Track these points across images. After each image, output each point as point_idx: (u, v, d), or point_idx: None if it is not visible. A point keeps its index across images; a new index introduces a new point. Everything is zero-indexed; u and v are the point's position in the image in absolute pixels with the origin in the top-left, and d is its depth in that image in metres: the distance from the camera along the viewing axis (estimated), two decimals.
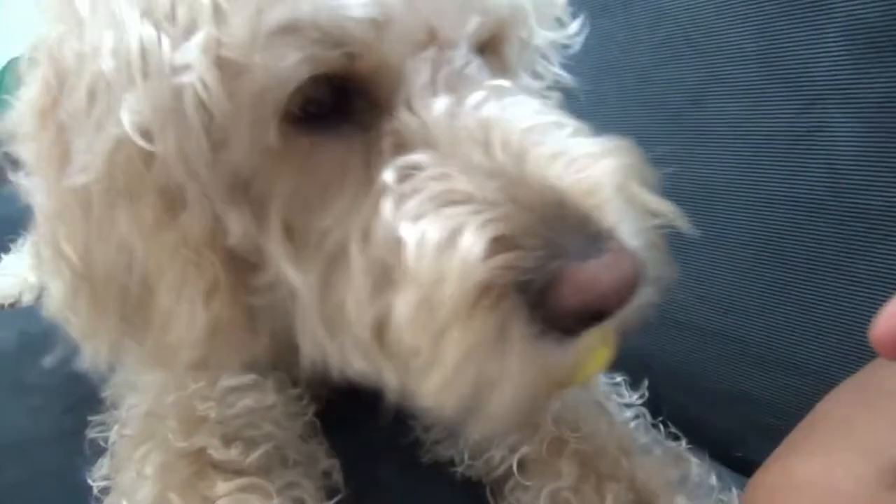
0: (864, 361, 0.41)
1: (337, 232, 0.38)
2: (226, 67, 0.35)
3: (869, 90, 0.52)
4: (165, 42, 0.35)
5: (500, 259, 0.33)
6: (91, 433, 0.56)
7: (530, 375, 0.35)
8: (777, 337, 0.57)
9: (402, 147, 0.37)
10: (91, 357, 0.43)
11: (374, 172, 0.37)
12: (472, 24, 0.39)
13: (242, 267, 0.40)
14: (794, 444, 0.37)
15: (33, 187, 0.42)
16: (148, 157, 0.36)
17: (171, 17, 0.35)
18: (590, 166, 0.36)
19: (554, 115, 0.40)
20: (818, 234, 0.55)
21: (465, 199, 0.35)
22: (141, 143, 0.36)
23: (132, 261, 0.39)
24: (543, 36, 0.50)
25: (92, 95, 0.37)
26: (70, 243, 0.40)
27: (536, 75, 0.53)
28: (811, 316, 0.55)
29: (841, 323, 0.54)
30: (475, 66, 0.40)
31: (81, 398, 0.59)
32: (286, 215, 0.39)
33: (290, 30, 0.34)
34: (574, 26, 0.51)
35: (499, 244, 0.34)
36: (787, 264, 0.57)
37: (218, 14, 0.35)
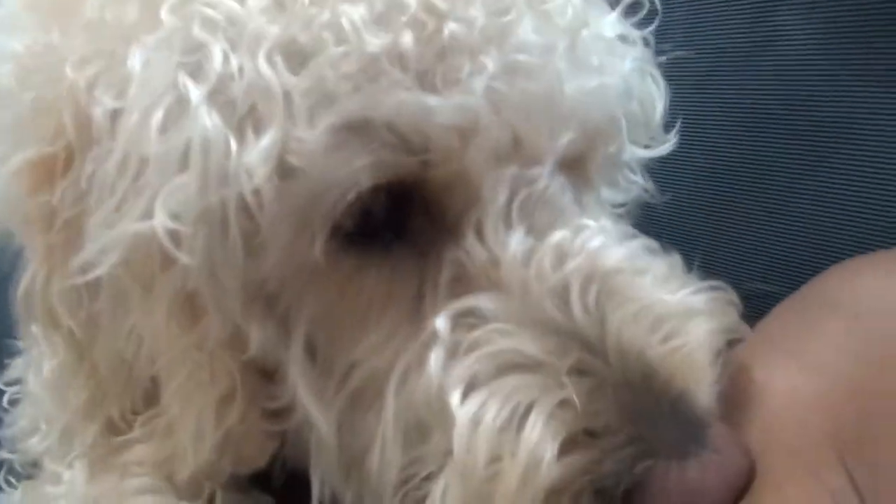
0: (805, 280, 0.40)
1: (368, 366, 0.32)
2: (281, 171, 0.30)
3: None
4: (233, 143, 0.29)
5: (574, 461, 0.28)
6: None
7: None
8: (720, 256, 0.56)
9: (463, 283, 0.32)
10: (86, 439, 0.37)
11: (425, 309, 0.32)
12: (565, 139, 0.34)
13: (263, 382, 0.35)
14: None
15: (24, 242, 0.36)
16: (169, 260, 0.31)
17: (234, 104, 0.30)
18: (681, 330, 0.31)
19: (641, 258, 0.34)
20: (768, 150, 0.53)
21: (533, 367, 0.29)
22: (169, 247, 0.30)
23: (141, 353, 0.34)
24: (633, 152, 0.44)
25: (122, 172, 0.31)
26: (73, 318, 0.34)
27: (615, 186, 0.47)
28: (755, 234, 0.54)
29: (784, 241, 0.53)
30: (558, 187, 0.35)
31: None
32: (312, 337, 0.33)
33: (360, 129, 0.29)
34: (668, 143, 0.45)
35: (573, 441, 0.28)
36: (734, 182, 0.55)
37: (289, 111, 0.29)
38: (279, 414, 0.35)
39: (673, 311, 0.32)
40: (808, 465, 0.29)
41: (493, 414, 0.28)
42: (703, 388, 0.30)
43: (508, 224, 0.33)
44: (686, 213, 0.58)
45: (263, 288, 0.33)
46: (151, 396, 0.36)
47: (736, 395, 0.33)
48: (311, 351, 0.34)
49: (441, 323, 0.31)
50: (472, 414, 0.29)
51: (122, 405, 0.36)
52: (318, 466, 0.34)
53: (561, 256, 0.32)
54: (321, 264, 0.32)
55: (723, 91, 0.56)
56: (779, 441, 0.31)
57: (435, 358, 0.30)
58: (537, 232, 0.33)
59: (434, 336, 0.31)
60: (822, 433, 0.30)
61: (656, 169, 0.50)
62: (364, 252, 0.32)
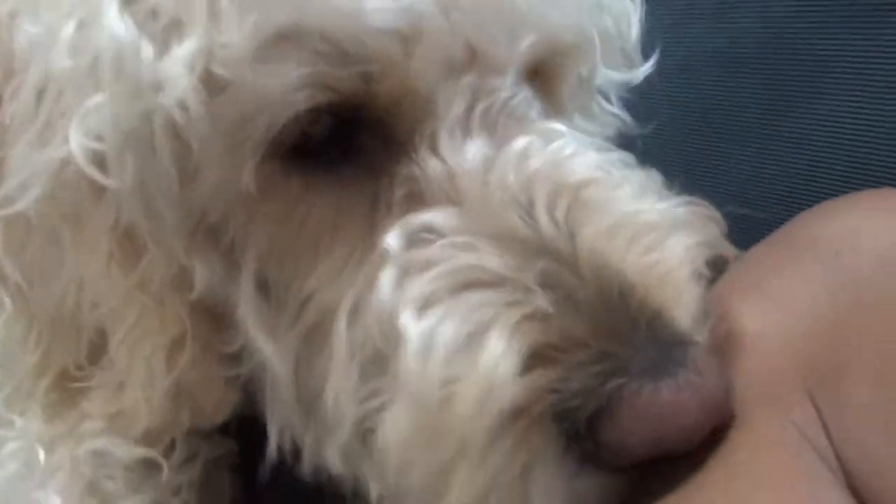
0: (781, 222, 0.40)
1: (322, 298, 0.30)
2: (210, 84, 0.27)
3: None
4: (147, 49, 0.27)
5: (537, 378, 0.25)
6: None
7: None
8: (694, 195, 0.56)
9: (417, 200, 0.30)
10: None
11: (377, 232, 0.30)
12: (525, 43, 0.31)
13: (216, 324, 0.33)
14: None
15: None
16: (98, 190, 0.29)
17: (156, 13, 0.27)
18: (660, 244, 0.29)
19: (616, 168, 0.32)
20: (746, 92, 0.53)
21: (495, 282, 0.27)
22: (92, 173, 0.28)
23: (82, 300, 0.32)
24: (607, 75, 0.41)
25: (40, 97, 0.29)
26: (15, 265, 0.32)
27: (590, 116, 0.44)
28: (730, 174, 0.54)
29: (760, 182, 0.52)
30: (523, 99, 0.32)
31: None
32: (262, 270, 0.31)
33: (292, 38, 0.27)
34: (645, 67, 0.42)
35: (537, 356, 0.26)
36: (711, 126, 0.55)
37: (214, 15, 0.27)
38: (236, 358, 0.33)
39: (652, 223, 0.30)
40: (779, 403, 0.29)
41: (450, 333, 0.26)
42: (683, 307, 0.28)
43: (467, 134, 0.30)
44: (660, 152, 0.56)
45: (205, 219, 0.31)
46: (98, 348, 0.34)
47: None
48: (262, 286, 0.32)
49: (392, 240, 0.29)
50: (426, 333, 0.26)
51: (75, 357, 0.35)
52: (274, 411, 0.33)
53: (526, 165, 0.30)
54: (262, 189, 0.30)
55: (702, 29, 0.55)
56: (750, 380, 0.30)
57: (386, 278, 0.28)
58: (498, 140, 0.31)
59: (385, 255, 0.29)
60: (793, 371, 0.29)
61: (631, 107, 0.49)
62: (311, 175, 0.30)
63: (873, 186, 0.45)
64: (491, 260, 0.27)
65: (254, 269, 0.31)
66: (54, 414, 0.38)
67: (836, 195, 0.37)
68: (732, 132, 0.54)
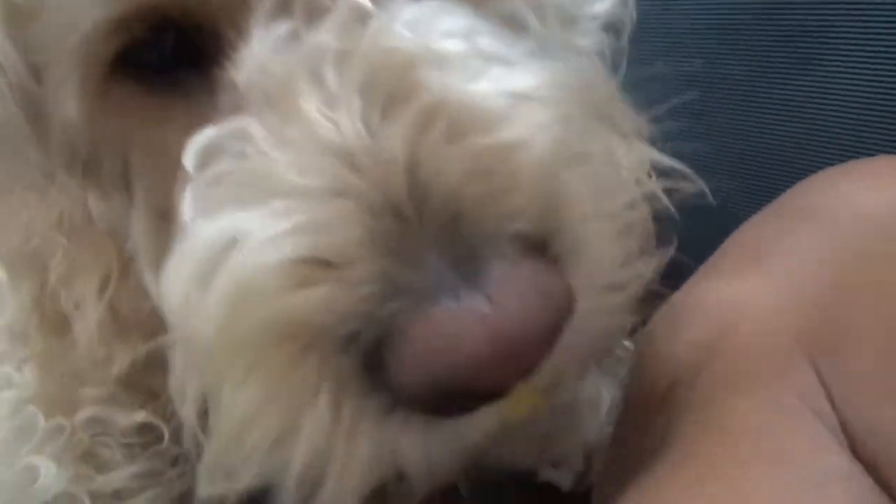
0: (775, 192, 0.40)
1: None
2: (14, 16, 0.26)
3: None
4: None
5: (303, 296, 0.21)
6: None
7: (375, 464, 0.23)
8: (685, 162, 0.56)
9: (239, 106, 0.26)
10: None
11: None
12: None
13: None
14: (705, 268, 0.36)
15: None
16: None
17: None
18: (494, 125, 0.23)
19: (465, 40, 0.25)
20: (749, 57, 0.52)
21: (286, 192, 0.23)
22: None
23: (13, 236, 0.31)
24: None
25: None
26: None
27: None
28: (723, 150, 0.53)
29: (752, 155, 0.52)
30: None
31: None
32: (155, 200, 0.29)
33: None
34: None
35: (301, 272, 0.22)
36: (709, 92, 0.54)
37: None
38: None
39: (488, 104, 0.23)
40: (780, 369, 0.29)
41: (202, 246, 0.23)
42: (504, 204, 0.22)
43: (283, 23, 0.26)
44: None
45: (75, 152, 0.29)
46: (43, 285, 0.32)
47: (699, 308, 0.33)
48: (165, 216, 0.29)
49: (188, 158, 0.25)
50: (183, 251, 0.24)
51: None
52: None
53: (342, 47, 0.25)
54: (126, 117, 0.28)
55: (693, 1, 0.54)
56: (748, 347, 0.30)
57: (187, 200, 0.25)
58: (314, 25, 0.26)
59: (185, 176, 0.26)
60: (795, 338, 0.30)
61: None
62: (166, 96, 0.28)
63: (867, 155, 0.45)
64: (281, 168, 0.23)
65: (145, 200, 0.29)
66: (49, 374, 0.37)
67: (831, 164, 0.37)
68: (723, 102, 0.53)
